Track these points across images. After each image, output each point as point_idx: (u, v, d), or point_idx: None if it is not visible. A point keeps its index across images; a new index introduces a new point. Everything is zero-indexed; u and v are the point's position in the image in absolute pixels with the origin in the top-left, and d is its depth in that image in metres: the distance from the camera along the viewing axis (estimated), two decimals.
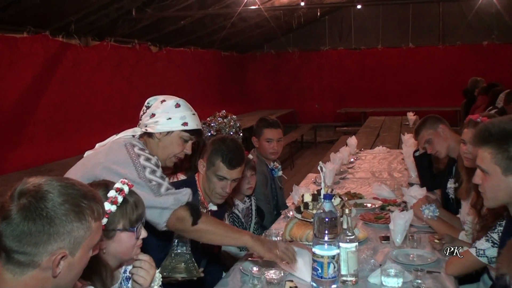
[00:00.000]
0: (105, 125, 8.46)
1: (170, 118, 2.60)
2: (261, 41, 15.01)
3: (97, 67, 8.65)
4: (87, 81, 8.39)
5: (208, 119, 3.67)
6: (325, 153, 7.01)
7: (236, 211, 3.66)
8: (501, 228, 2.36)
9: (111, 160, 2.45)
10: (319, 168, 2.93)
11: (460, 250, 2.64)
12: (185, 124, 2.62)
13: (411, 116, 9.37)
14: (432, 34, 14.21)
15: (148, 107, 2.68)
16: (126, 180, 1.95)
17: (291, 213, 3.46)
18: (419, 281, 2.40)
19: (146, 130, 2.61)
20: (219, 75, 13.86)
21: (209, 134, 3.74)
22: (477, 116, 3.06)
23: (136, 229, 1.96)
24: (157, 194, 2.39)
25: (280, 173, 4.37)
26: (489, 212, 2.52)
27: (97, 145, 2.69)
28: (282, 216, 3.72)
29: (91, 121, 8.31)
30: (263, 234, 3.17)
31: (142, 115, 2.69)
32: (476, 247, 2.43)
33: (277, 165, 4.35)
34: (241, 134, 3.66)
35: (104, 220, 1.83)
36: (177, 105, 2.65)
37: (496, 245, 2.36)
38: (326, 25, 14.84)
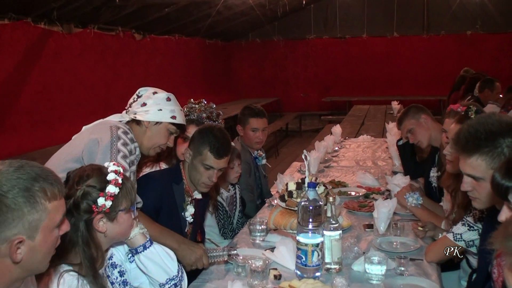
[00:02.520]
0: (88, 113, 8.37)
1: (161, 110, 2.72)
2: (246, 29, 14.94)
3: (80, 55, 8.55)
4: (70, 69, 8.28)
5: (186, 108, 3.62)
6: (310, 142, 7.02)
7: (220, 199, 3.65)
8: (476, 212, 2.40)
9: (93, 134, 2.61)
10: (303, 157, 2.94)
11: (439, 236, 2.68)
12: (173, 117, 2.75)
13: (395, 105, 9.40)
14: (416, 23, 14.25)
15: (139, 96, 2.78)
16: (117, 163, 2.02)
17: (275, 201, 3.46)
18: (402, 268, 2.43)
19: (135, 117, 2.72)
20: (204, 64, 13.78)
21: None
22: (458, 106, 3.08)
23: (135, 208, 2.05)
24: None
25: (264, 161, 4.36)
26: (462, 202, 2.55)
27: (84, 127, 2.80)
28: (266, 204, 3.73)
29: (75, 110, 8.22)
30: (248, 222, 3.18)
31: (132, 103, 2.79)
32: (453, 232, 2.48)
33: (261, 153, 4.33)
34: (220, 122, 3.61)
35: (109, 203, 1.90)
36: (168, 99, 2.77)
37: (472, 229, 2.40)
38: (312, 13, 14.80)
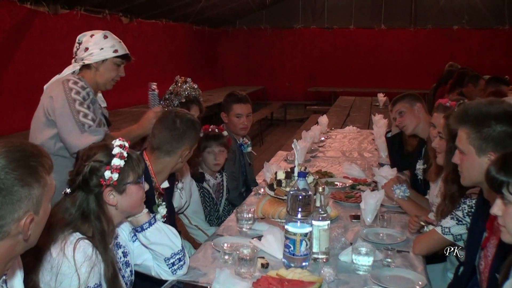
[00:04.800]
0: None
1: (102, 48, 3.06)
2: (234, 16, 14.87)
3: (66, 36, 8.41)
4: (56, 50, 8.14)
5: (171, 88, 3.59)
6: (294, 131, 7.02)
7: (207, 186, 3.64)
8: (465, 206, 2.42)
9: (49, 93, 3.00)
10: (293, 146, 2.93)
11: (425, 229, 2.70)
12: (115, 51, 3.10)
13: (381, 97, 9.43)
14: (404, 16, 14.32)
15: (80, 43, 3.10)
16: (122, 138, 2.11)
17: (262, 190, 3.46)
18: (389, 260, 2.44)
19: (84, 63, 3.06)
20: (190, 50, 13.68)
21: (177, 103, 3.63)
22: (447, 101, 3.09)
23: (143, 180, 2.13)
24: (82, 130, 2.90)
25: (250, 149, 4.34)
26: (451, 195, 2.58)
27: (44, 87, 3.17)
28: (253, 193, 3.72)
29: None
30: (235, 210, 3.17)
31: (76, 51, 3.12)
32: (441, 226, 2.49)
33: (247, 141, 4.31)
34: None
35: (115, 176, 1.99)
36: (105, 37, 3.09)
37: (460, 223, 2.42)
38: (300, 3, 14.78)
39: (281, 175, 3.02)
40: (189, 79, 3.60)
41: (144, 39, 10.99)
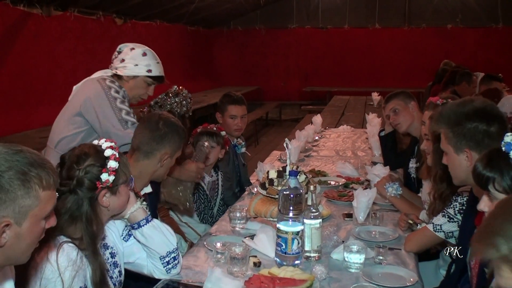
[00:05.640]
0: (67, 97, 8.25)
1: (137, 65, 3.09)
2: (228, 17, 14.84)
3: (60, 38, 8.41)
4: (49, 52, 8.15)
5: (160, 97, 3.58)
6: (290, 131, 7.02)
7: (202, 184, 3.65)
8: (457, 204, 2.45)
9: (86, 94, 3.01)
10: (285, 145, 2.94)
11: (419, 227, 2.72)
12: (149, 71, 3.12)
13: (375, 96, 9.45)
14: (398, 15, 14.34)
15: (119, 53, 3.14)
16: (109, 139, 2.10)
17: (255, 189, 3.47)
18: (381, 257, 2.45)
19: (116, 72, 3.10)
20: (185, 51, 13.66)
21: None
22: (437, 99, 3.11)
23: (132, 180, 2.14)
24: (125, 127, 2.94)
25: (244, 149, 4.35)
26: (440, 194, 2.61)
27: (74, 87, 3.21)
28: (246, 192, 3.72)
29: (53, 93, 8.07)
30: (228, 210, 3.18)
31: (113, 59, 3.15)
32: (433, 223, 2.51)
33: (241, 141, 4.32)
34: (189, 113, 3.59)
35: (112, 178, 1.98)
36: (144, 54, 3.13)
37: (452, 220, 2.44)
38: (294, 3, 14.78)
39: (273, 174, 3.03)
40: (184, 92, 3.50)
41: (139, 41, 10.87)
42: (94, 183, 1.97)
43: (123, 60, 3.10)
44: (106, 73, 3.15)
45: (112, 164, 1.99)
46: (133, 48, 3.13)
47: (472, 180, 1.85)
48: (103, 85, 3.01)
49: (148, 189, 2.66)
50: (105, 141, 2.07)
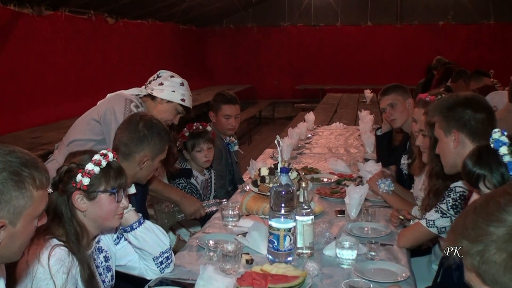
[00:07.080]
0: (59, 97, 8.23)
1: (174, 91, 3.21)
2: (220, 15, 14.82)
3: (51, 38, 8.37)
4: (40, 52, 8.10)
5: None
6: (283, 129, 7.02)
7: (195, 183, 3.64)
8: (449, 199, 2.45)
9: (110, 104, 3.09)
10: (276, 142, 2.95)
11: (411, 223, 2.72)
12: (183, 100, 3.23)
13: (368, 93, 9.48)
14: (390, 13, 14.37)
15: (159, 77, 3.27)
16: (111, 150, 2.08)
17: (247, 187, 3.46)
18: (373, 253, 2.46)
19: (152, 92, 3.21)
20: (177, 49, 13.64)
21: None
22: (426, 95, 3.12)
23: (117, 192, 2.03)
24: None
25: (236, 147, 4.36)
26: (435, 190, 2.62)
27: (108, 95, 3.26)
28: (239, 190, 3.72)
29: (44, 94, 8.05)
30: (220, 207, 3.17)
31: (151, 80, 3.28)
32: (426, 218, 2.51)
33: (233, 139, 4.33)
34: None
35: (86, 180, 1.95)
36: (182, 84, 3.26)
37: (445, 216, 2.44)
38: (286, 0, 14.77)
39: (264, 172, 3.03)
40: None
41: (130, 40, 10.94)
42: (71, 183, 1.97)
43: (161, 84, 3.22)
44: (142, 91, 3.25)
45: (89, 166, 1.97)
46: (172, 76, 3.28)
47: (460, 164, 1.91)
48: (126, 107, 3.07)
49: (132, 190, 2.61)
50: (107, 149, 2.07)
